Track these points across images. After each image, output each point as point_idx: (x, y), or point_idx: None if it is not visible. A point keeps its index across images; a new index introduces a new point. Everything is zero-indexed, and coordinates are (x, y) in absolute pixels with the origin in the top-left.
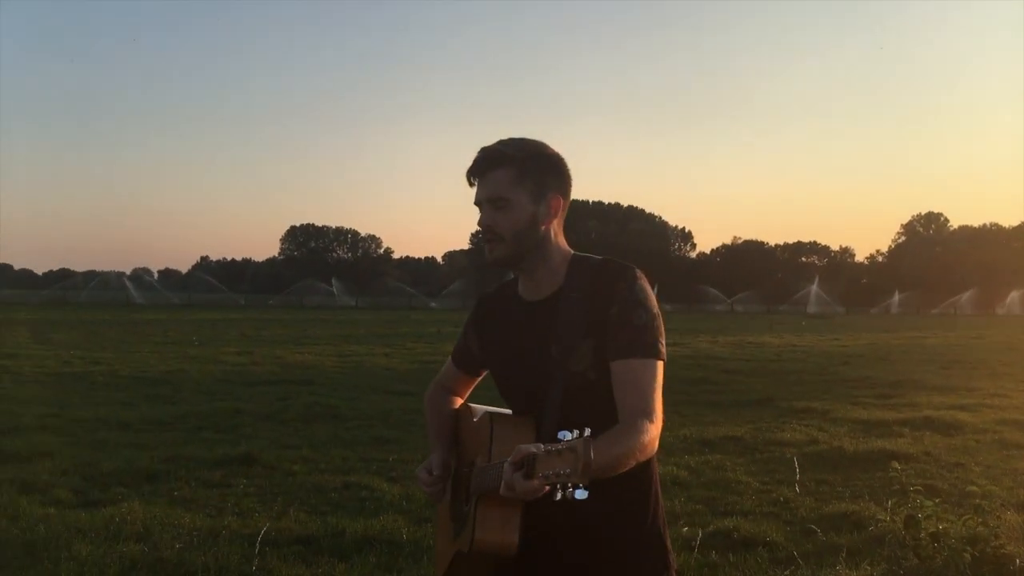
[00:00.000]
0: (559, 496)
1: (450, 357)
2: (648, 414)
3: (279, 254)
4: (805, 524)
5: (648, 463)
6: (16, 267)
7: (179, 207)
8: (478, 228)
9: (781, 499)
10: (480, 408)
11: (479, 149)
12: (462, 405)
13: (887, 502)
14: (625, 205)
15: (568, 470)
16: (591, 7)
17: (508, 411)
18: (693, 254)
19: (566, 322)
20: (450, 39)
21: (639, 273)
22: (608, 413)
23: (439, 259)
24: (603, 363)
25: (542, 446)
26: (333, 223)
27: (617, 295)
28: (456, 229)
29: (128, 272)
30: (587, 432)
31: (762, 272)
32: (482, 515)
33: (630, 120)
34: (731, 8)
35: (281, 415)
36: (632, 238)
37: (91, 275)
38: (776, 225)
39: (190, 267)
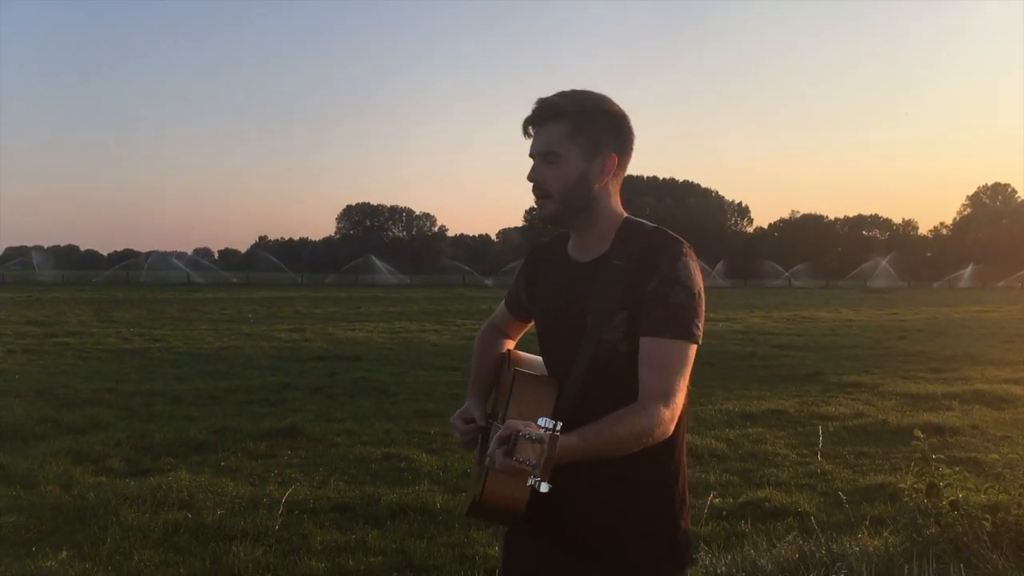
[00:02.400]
0: (529, 482)
1: (504, 299)
2: (665, 397)
3: (335, 233)
4: (839, 495)
5: (672, 447)
6: (82, 248)
7: (238, 188)
8: (529, 180)
9: (818, 471)
10: (521, 358)
11: (537, 102)
12: (510, 351)
13: (911, 470)
14: (681, 180)
15: (533, 462)
16: None
17: (540, 367)
18: (750, 229)
19: (604, 290)
20: (506, 13)
21: (686, 249)
22: (633, 387)
23: (493, 237)
24: (635, 336)
25: (525, 429)
26: (388, 202)
27: (659, 269)
28: (510, 207)
29: (189, 252)
30: (558, 426)
31: (821, 246)
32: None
33: (685, 94)
34: None
35: (328, 389)
36: (688, 213)
37: (154, 255)
38: (836, 198)
39: (249, 247)
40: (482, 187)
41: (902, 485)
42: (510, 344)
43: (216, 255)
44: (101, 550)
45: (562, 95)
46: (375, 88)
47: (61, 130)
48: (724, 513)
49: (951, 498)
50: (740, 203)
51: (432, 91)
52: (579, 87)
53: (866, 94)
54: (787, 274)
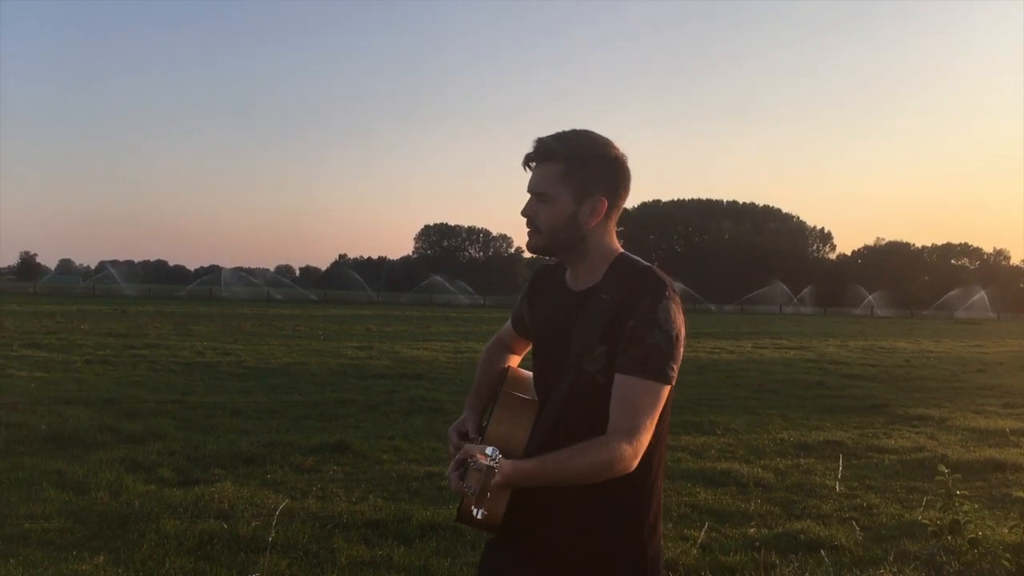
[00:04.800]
0: (472, 509)
1: (511, 315)
2: (629, 434)
3: (413, 252)
4: (880, 531)
5: (645, 478)
6: (171, 263)
7: (319, 207)
8: (522, 213)
9: (864, 504)
10: (518, 376)
11: (535, 141)
12: (509, 367)
13: (936, 506)
14: (761, 205)
15: (474, 489)
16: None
17: (529, 386)
18: (833, 255)
19: (589, 321)
20: (577, 35)
21: (670, 292)
22: (608, 418)
23: None
24: (612, 370)
25: (475, 457)
26: (466, 222)
27: (639, 310)
28: None
29: (272, 269)
30: (498, 459)
31: (907, 275)
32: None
33: (766, 119)
34: (882, 7)
35: (385, 407)
36: (768, 238)
37: (237, 271)
38: (924, 226)
39: (329, 265)
40: None
41: (924, 520)
42: (515, 360)
43: (297, 272)
44: (136, 556)
45: (558, 137)
46: (455, 110)
47: (160, 156)
48: (757, 544)
49: (971, 536)
50: (822, 229)
51: (513, 114)
52: (657, 129)
53: (955, 118)
54: (868, 300)
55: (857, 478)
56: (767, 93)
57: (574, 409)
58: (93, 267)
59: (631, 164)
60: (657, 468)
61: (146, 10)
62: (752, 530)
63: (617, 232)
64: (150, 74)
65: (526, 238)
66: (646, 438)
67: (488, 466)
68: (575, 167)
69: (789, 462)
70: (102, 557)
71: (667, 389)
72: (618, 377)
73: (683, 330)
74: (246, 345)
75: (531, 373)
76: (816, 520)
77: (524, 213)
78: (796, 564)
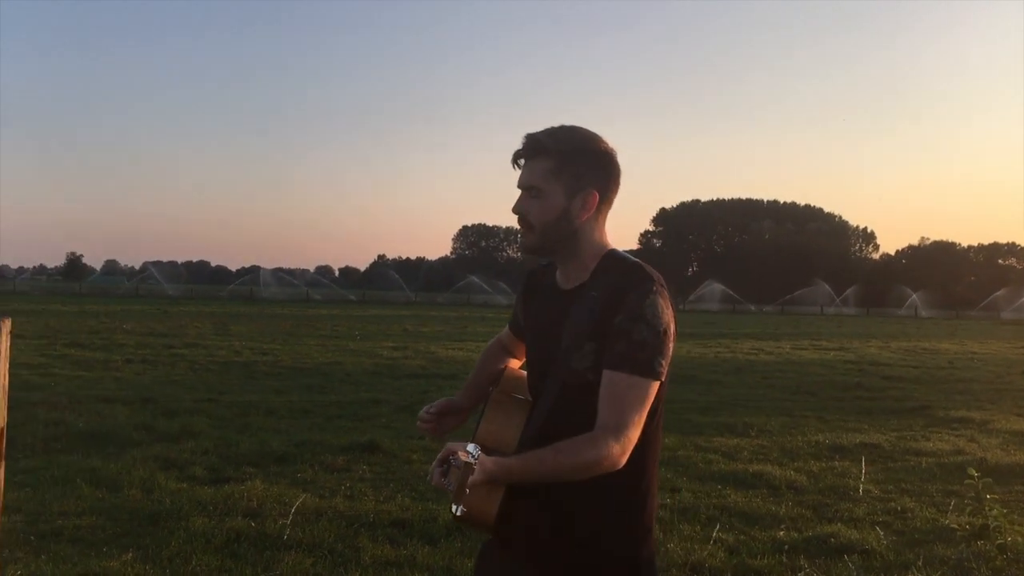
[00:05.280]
0: (452, 506)
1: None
2: (616, 431)
3: (451, 253)
4: (914, 534)
5: (638, 476)
6: (213, 264)
7: (359, 209)
8: (513, 210)
9: (898, 508)
10: (514, 376)
11: (526, 137)
12: (507, 368)
13: (965, 510)
14: (802, 204)
15: (452, 487)
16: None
17: (524, 386)
18: (876, 255)
19: (577, 318)
20: (615, 33)
21: (657, 287)
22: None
23: None
24: (601, 367)
25: (456, 454)
26: (504, 223)
27: (626, 305)
28: (624, 228)
29: (312, 269)
30: (476, 457)
31: (952, 275)
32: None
33: (807, 117)
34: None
35: (417, 407)
36: (810, 238)
37: (277, 272)
38: (969, 226)
39: (368, 265)
40: None
41: (953, 525)
42: (514, 362)
43: (336, 272)
44: (164, 553)
45: (549, 132)
46: (491, 109)
47: (203, 158)
48: (786, 547)
49: (998, 541)
50: (865, 228)
51: (553, 112)
52: (694, 129)
53: (1001, 119)
54: (912, 300)
55: (892, 481)
56: (808, 91)
57: (564, 407)
58: (137, 267)
59: (681, 163)
60: (651, 467)
61: (192, 12)
62: (782, 533)
63: (655, 232)
64: (194, 77)
65: (520, 237)
66: (634, 434)
67: (466, 463)
68: (566, 161)
69: (823, 464)
70: (131, 554)
71: (656, 385)
72: (605, 373)
73: (672, 325)
74: (283, 345)
75: (526, 374)
76: (848, 524)
77: (515, 210)
78: (822, 568)
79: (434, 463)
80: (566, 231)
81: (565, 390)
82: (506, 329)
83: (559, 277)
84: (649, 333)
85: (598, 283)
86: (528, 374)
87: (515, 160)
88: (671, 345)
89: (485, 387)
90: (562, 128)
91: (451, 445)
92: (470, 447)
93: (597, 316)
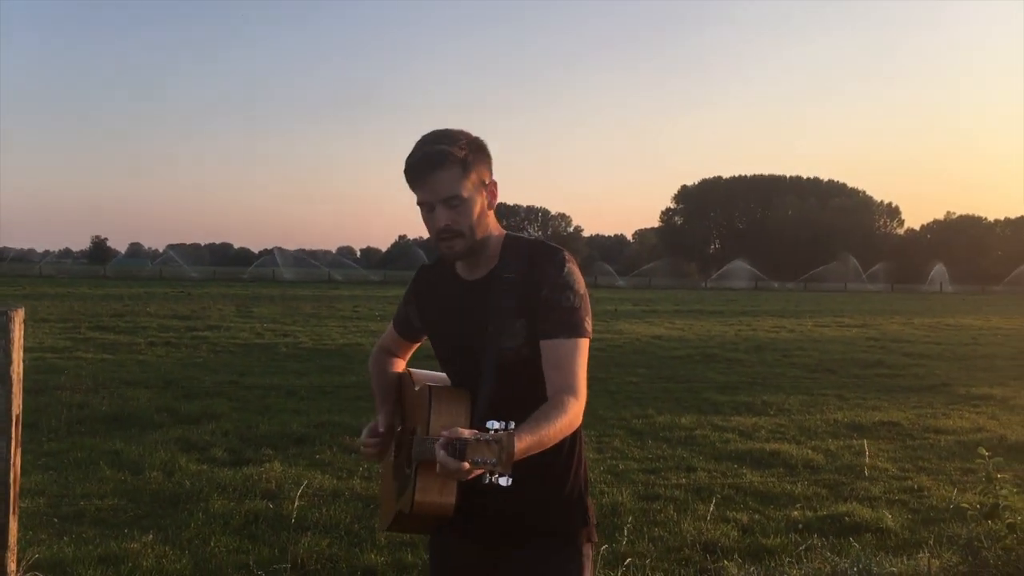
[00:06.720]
0: (487, 480)
1: (391, 322)
2: (573, 390)
3: None
4: (929, 513)
5: (574, 437)
6: (235, 246)
7: (380, 189)
8: (439, 226)
9: (915, 487)
10: (422, 376)
11: (420, 151)
12: (404, 371)
13: (976, 489)
14: (825, 180)
15: (494, 460)
16: None
17: (446, 381)
18: (901, 230)
19: (500, 302)
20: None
21: (568, 256)
22: (540, 387)
23: (629, 236)
24: (535, 340)
25: (473, 433)
26: (524, 202)
27: (547, 278)
28: (646, 206)
29: (334, 251)
30: (511, 425)
31: (979, 249)
32: (423, 480)
33: (829, 87)
34: None
35: None
36: (833, 214)
37: (299, 253)
38: (996, 199)
39: (389, 246)
40: (617, 187)
41: (964, 504)
42: (401, 364)
43: (358, 253)
44: (183, 535)
45: (439, 140)
46: (509, 88)
47: (225, 141)
48: (800, 526)
49: (1010, 520)
50: (890, 203)
51: (566, 89)
52: (716, 106)
53: None
54: (936, 275)
55: (910, 459)
56: (831, 66)
57: (506, 387)
58: (160, 250)
59: (703, 140)
60: (580, 428)
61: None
62: (796, 512)
63: (677, 210)
64: (217, 61)
65: (447, 248)
66: (585, 391)
67: (507, 431)
68: (469, 162)
69: (841, 443)
70: (151, 535)
71: (586, 342)
72: (546, 343)
73: (585, 286)
74: (305, 326)
75: (430, 371)
76: (863, 503)
77: (442, 225)
78: (833, 547)
79: (441, 455)
80: (485, 227)
81: (501, 370)
82: (389, 333)
83: (460, 269)
84: (576, 298)
85: (509, 265)
86: (448, 366)
87: (422, 176)
88: (589, 304)
89: (395, 394)
90: (446, 133)
91: (456, 430)
92: (489, 423)
93: (521, 294)
